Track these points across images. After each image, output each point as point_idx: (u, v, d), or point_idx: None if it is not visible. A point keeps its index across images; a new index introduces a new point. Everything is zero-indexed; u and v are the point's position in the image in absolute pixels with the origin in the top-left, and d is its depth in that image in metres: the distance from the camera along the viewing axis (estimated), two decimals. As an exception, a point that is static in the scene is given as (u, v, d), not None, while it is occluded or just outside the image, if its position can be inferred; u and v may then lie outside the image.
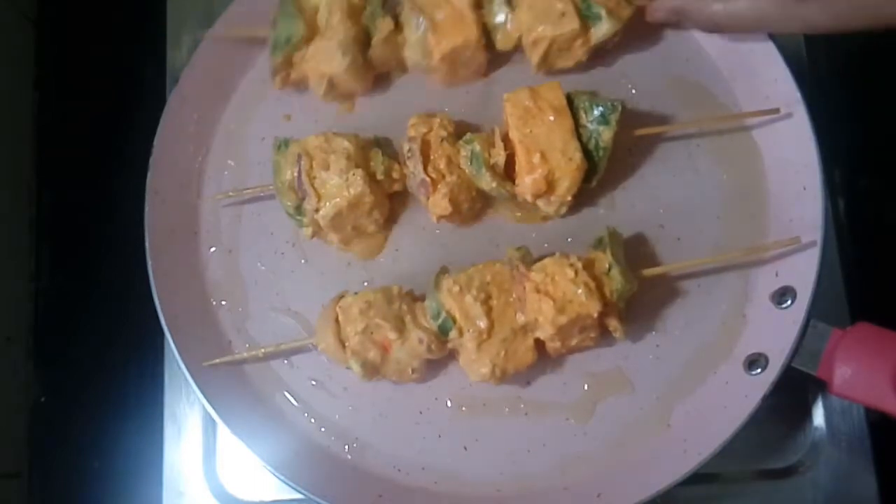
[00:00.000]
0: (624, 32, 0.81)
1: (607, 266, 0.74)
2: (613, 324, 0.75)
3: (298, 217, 0.80)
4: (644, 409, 0.78)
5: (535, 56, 0.82)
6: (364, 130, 0.82)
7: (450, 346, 0.76)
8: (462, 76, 0.85)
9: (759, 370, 0.75)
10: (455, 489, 0.77)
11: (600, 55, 0.84)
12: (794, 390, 0.81)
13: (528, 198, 0.78)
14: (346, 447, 0.79)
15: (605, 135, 0.77)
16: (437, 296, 0.75)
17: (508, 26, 0.82)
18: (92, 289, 0.97)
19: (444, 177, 0.77)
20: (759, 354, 0.76)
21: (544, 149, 0.76)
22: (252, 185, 0.84)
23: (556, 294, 0.73)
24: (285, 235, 0.84)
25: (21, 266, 0.98)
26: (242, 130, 0.87)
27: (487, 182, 0.77)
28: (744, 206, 0.82)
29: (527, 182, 0.77)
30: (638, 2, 0.82)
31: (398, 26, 0.82)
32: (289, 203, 0.79)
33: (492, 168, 0.77)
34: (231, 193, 0.84)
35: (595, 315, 0.72)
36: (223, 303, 0.83)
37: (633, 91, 0.85)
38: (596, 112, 0.77)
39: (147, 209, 0.81)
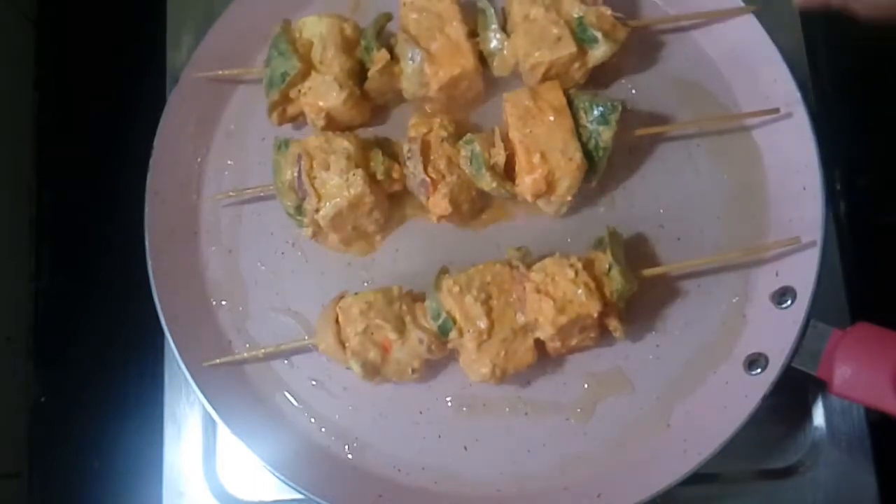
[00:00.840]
0: (621, 52, 0.81)
1: (607, 266, 0.74)
2: (613, 324, 0.75)
3: (298, 217, 0.80)
4: (644, 409, 0.78)
5: (532, 80, 0.81)
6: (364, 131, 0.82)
7: (450, 346, 0.76)
8: (460, 104, 0.84)
9: (759, 370, 0.76)
10: (455, 489, 0.77)
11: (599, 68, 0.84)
12: (794, 390, 0.80)
13: (529, 198, 0.78)
14: (346, 447, 0.79)
15: (605, 135, 0.77)
16: (437, 296, 0.75)
17: (505, 52, 0.81)
18: (92, 289, 0.97)
19: (444, 177, 0.77)
20: (759, 354, 0.76)
21: (544, 149, 0.76)
22: (252, 185, 0.84)
23: (556, 294, 0.73)
24: (285, 235, 0.84)
25: (21, 266, 0.98)
26: (242, 130, 0.87)
27: (487, 182, 0.77)
28: (744, 206, 0.82)
29: (527, 182, 0.77)
30: (633, 23, 0.81)
31: (394, 58, 0.81)
32: (289, 203, 0.79)
33: (492, 168, 0.77)
34: (231, 193, 0.84)
35: (595, 315, 0.72)
36: (223, 303, 0.83)
37: (633, 91, 0.85)
38: (596, 112, 0.77)
39: (147, 209, 0.81)
